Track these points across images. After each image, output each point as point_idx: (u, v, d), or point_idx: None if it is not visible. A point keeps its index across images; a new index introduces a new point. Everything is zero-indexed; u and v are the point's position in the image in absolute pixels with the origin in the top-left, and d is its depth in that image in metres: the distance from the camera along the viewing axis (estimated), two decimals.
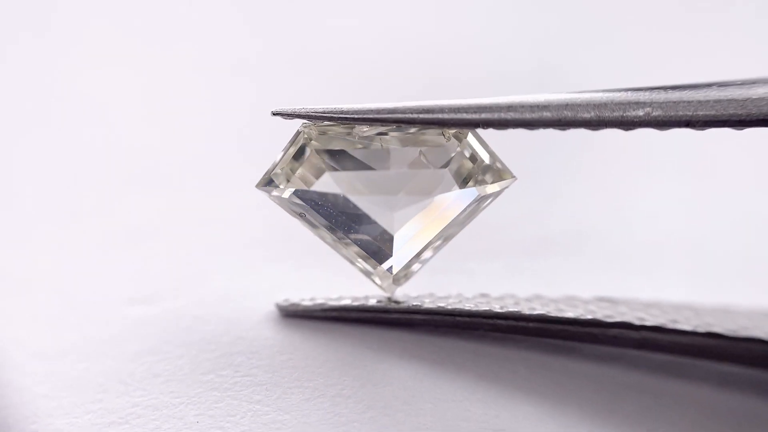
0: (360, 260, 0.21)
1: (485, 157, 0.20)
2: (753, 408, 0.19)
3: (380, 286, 0.21)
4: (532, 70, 0.35)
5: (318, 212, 0.20)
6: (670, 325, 0.19)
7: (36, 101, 0.32)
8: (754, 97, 0.16)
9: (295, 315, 0.22)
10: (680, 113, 0.17)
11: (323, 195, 0.20)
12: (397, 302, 0.21)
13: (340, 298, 0.22)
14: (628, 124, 0.18)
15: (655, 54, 0.36)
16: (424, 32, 0.39)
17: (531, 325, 0.20)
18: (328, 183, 0.20)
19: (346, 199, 0.20)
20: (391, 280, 0.21)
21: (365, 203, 0.20)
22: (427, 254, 0.21)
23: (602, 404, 0.19)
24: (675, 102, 0.17)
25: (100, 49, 0.36)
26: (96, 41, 0.37)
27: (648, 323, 0.19)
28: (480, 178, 0.20)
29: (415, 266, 0.21)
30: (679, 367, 0.20)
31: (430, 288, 0.22)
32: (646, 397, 0.19)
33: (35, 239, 0.25)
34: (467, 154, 0.20)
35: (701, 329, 0.18)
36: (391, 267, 0.20)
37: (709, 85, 0.17)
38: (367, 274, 0.21)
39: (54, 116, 0.31)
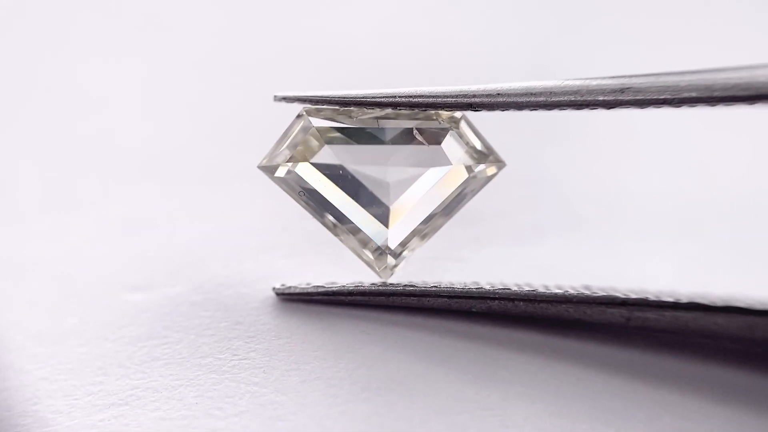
0: (356, 242, 0.21)
1: (477, 144, 0.21)
2: (735, 379, 0.19)
3: (376, 271, 0.22)
4: (525, 63, 0.36)
5: (317, 188, 0.21)
6: (654, 299, 0.19)
7: (36, 92, 0.33)
8: (723, 77, 0.17)
9: (292, 298, 0.22)
10: (658, 90, 0.18)
11: (322, 167, 0.20)
12: (392, 285, 0.22)
13: (336, 283, 0.22)
14: (610, 103, 0.18)
15: (643, 50, 0.37)
16: (420, 27, 0.40)
17: (521, 303, 0.20)
18: (328, 155, 0.20)
19: (344, 173, 0.20)
20: (386, 261, 0.21)
21: (362, 176, 0.20)
22: (420, 234, 0.21)
23: (592, 383, 0.19)
24: (652, 82, 0.18)
25: (98, 41, 0.37)
26: (94, 33, 0.37)
27: (633, 297, 0.19)
28: (472, 162, 0.21)
29: (408, 252, 0.21)
30: (665, 346, 0.20)
31: (424, 276, 0.23)
32: (635, 374, 0.19)
33: (36, 225, 0.25)
34: (460, 141, 0.21)
35: (683, 300, 0.19)
36: (386, 240, 0.21)
37: (683, 72, 0.18)
38: (363, 255, 0.21)
39: (53, 106, 0.32)
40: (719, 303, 0.19)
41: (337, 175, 0.20)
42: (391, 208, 0.21)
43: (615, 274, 0.23)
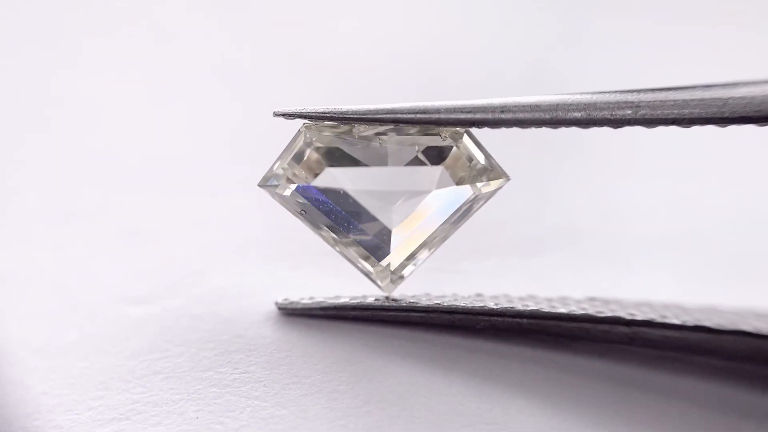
0: (359, 258, 0.21)
1: (480, 158, 0.21)
2: (738, 400, 0.19)
3: (379, 286, 0.21)
4: (527, 74, 0.36)
5: (318, 209, 0.20)
6: (660, 320, 0.19)
7: (34, 103, 0.33)
8: (736, 96, 0.17)
9: (294, 313, 0.22)
10: (666, 111, 0.17)
11: (324, 191, 0.20)
12: (395, 300, 0.22)
13: (338, 297, 0.22)
14: (617, 122, 0.18)
15: (646, 60, 0.37)
16: (421, 36, 0.40)
17: (525, 321, 0.20)
18: (329, 179, 0.20)
19: (346, 195, 0.20)
20: (389, 279, 0.21)
21: (364, 199, 0.20)
22: (423, 253, 0.21)
23: (593, 398, 0.19)
24: (662, 101, 0.18)
25: (98, 51, 0.37)
26: (92, 43, 0.37)
27: (638, 318, 0.19)
28: (475, 177, 0.21)
29: (411, 267, 0.21)
30: (668, 362, 0.20)
31: (426, 288, 0.22)
32: (635, 391, 0.19)
33: (36, 239, 0.25)
34: (463, 155, 0.20)
35: (690, 323, 0.19)
36: (389, 263, 0.21)
37: (694, 87, 0.17)
38: (366, 272, 0.21)
39: (52, 117, 0.32)
40: (727, 327, 0.19)
41: (338, 199, 0.20)
42: (393, 231, 0.21)
43: (616, 286, 0.23)
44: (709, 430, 0.18)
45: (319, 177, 0.20)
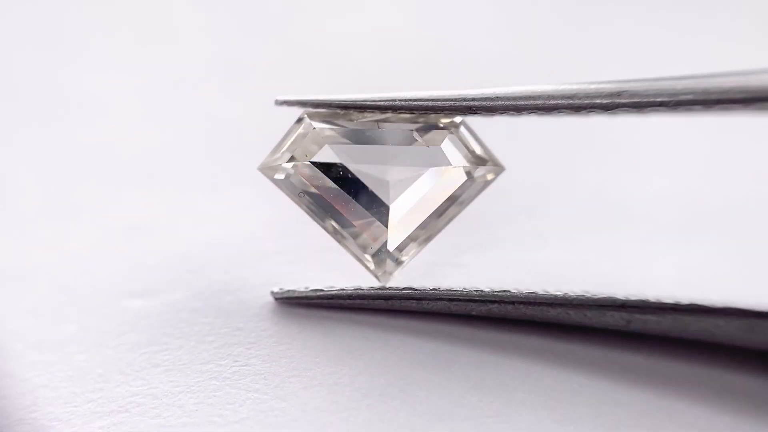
0: (357, 245, 0.21)
1: (476, 148, 0.21)
2: (740, 384, 0.19)
3: (375, 276, 0.21)
4: (523, 68, 0.36)
5: (317, 189, 0.21)
6: (654, 300, 0.19)
7: (33, 98, 0.33)
8: (719, 81, 0.17)
9: (290, 303, 0.22)
10: (655, 93, 0.18)
11: (322, 167, 0.20)
12: (391, 289, 0.22)
13: (333, 287, 0.22)
14: (608, 107, 0.18)
15: (641, 56, 0.37)
16: (420, 32, 0.40)
17: (522, 307, 0.20)
18: (328, 155, 0.20)
19: (344, 169, 0.20)
20: (385, 266, 0.21)
21: (362, 175, 0.21)
22: (415, 245, 0.21)
23: (596, 389, 0.19)
24: (649, 85, 0.18)
25: (96, 46, 0.37)
26: (91, 38, 0.37)
27: (632, 299, 0.19)
28: (471, 166, 0.21)
29: (406, 256, 0.21)
30: (669, 350, 0.20)
31: (425, 281, 0.22)
32: (639, 380, 0.19)
33: (35, 233, 0.25)
34: (459, 144, 0.21)
35: (683, 302, 0.19)
36: (386, 241, 0.21)
37: (680, 77, 0.18)
38: (363, 260, 0.21)
39: (51, 112, 0.32)
40: (719, 305, 0.19)
41: (337, 175, 0.21)
42: (390, 207, 0.21)
43: (617, 279, 0.23)
44: (712, 419, 0.18)
45: (318, 154, 0.20)
